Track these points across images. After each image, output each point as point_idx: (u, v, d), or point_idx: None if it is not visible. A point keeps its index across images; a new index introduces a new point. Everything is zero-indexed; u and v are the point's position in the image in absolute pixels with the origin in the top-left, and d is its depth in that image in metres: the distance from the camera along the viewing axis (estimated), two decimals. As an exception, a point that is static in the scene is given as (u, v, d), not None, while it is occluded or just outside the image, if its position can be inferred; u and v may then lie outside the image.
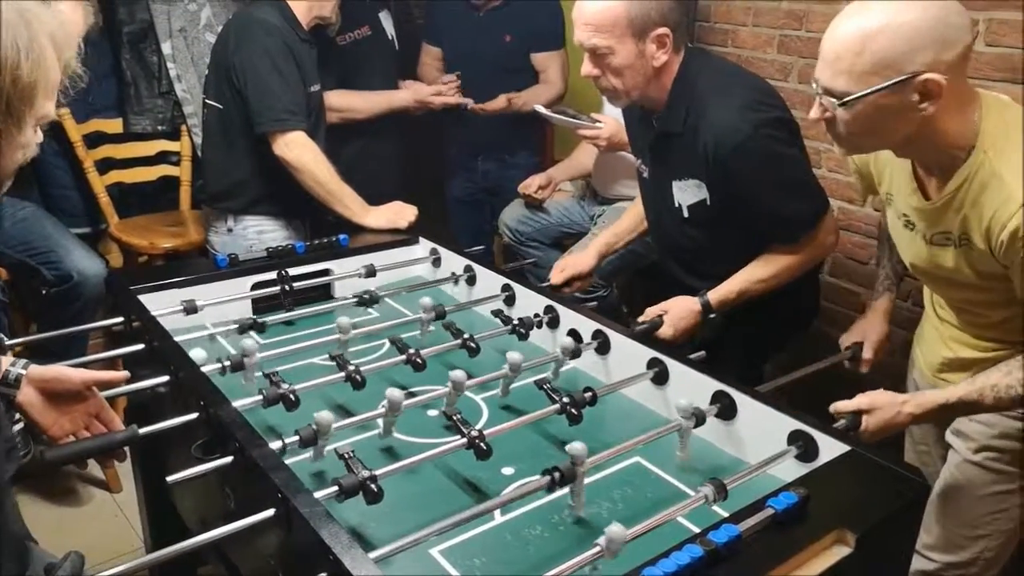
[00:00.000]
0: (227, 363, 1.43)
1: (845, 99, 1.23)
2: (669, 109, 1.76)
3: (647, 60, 1.70)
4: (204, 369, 1.41)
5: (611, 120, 2.27)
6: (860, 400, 1.35)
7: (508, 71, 2.86)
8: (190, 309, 1.69)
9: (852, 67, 1.21)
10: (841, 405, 1.36)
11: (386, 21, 2.86)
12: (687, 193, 1.80)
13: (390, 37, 2.88)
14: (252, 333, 1.69)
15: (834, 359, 1.64)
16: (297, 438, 1.21)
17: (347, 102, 2.69)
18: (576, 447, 1.12)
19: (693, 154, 1.73)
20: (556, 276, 2.06)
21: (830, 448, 1.24)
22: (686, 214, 1.83)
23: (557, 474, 1.11)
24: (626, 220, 2.13)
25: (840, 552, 1.03)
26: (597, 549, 0.97)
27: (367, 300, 1.82)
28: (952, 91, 1.21)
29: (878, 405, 1.34)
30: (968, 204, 1.29)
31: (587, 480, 1.25)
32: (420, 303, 1.73)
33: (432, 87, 2.84)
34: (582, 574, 0.97)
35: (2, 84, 0.83)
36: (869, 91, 1.21)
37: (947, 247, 1.36)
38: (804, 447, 1.26)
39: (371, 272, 1.96)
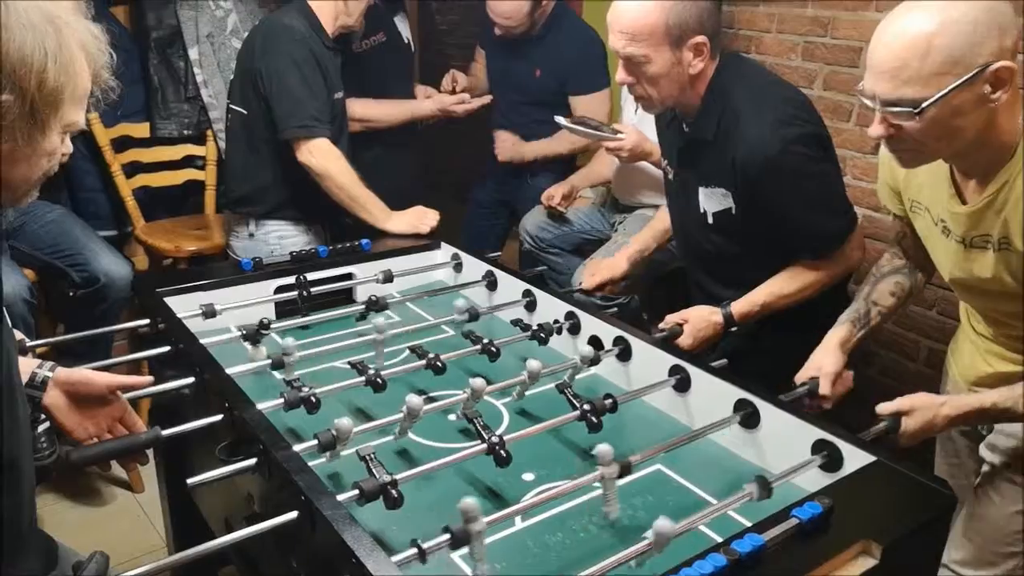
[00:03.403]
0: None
1: (922, 106, 1.19)
2: (701, 116, 1.74)
3: (683, 68, 1.67)
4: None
5: (632, 131, 2.26)
6: (900, 402, 1.34)
7: (536, 104, 2.80)
8: (208, 313, 1.69)
9: (919, 72, 1.18)
10: (883, 407, 1.35)
11: (401, 24, 2.87)
12: (713, 200, 1.79)
13: (406, 41, 2.89)
14: (271, 335, 1.70)
15: (790, 396, 1.44)
16: (316, 442, 1.21)
17: (370, 112, 2.70)
18: (467, 503, 1.00)
19: (722, 163, 1.71)
20: (588, 280, 2.06)
21: (855, 458, 1.23)
22: (710, 220, 1.81)
23: (448, 536, 0.99)
24: (654, 227, 2.12)
25: (865, 563, 1.02)
26: (646, 542, 0.97)
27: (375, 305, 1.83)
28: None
29: (917, 407, 1.33)
30: (1011, 205, 1.27)
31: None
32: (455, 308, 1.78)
33: (455, 96, 2.84)
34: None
35: (27, 87, 0.83)
36: (945, 91, 1.18)
37: (986, 250, 1.33)
38: (829, 457, 1.25)
39: (388, 278, 1.96)
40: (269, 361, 1.52)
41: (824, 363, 1.50)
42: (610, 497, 1.15)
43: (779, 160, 1.63)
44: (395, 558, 0.96)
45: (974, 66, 1.16)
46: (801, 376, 1.51)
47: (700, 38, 1.65)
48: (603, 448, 1.14)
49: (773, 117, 1.65)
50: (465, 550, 1.08)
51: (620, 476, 1.14)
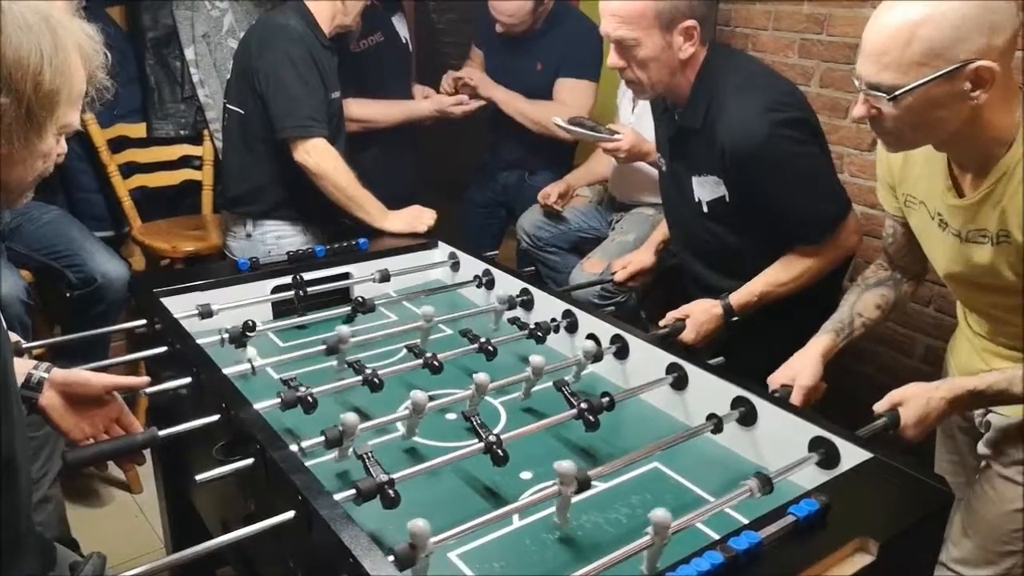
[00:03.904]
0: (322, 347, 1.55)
1: (895, 92, 1.20)
2: (690, 104, 1.75)
3: (674, 52, 1.68)
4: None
5: (629, 131, 2.26)
6: (893, 395, 1.33)
7: (537, 99, 2.78)
8: (205, 313, 1.69)
9: (900, 59, 1.19)
10: (878, 405, 1.34)
11: (399, 24, 2.86)
12: (706, 189, 1.79)
13: (404, 41, 2.88)
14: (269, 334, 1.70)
15: None
16: (323, 439, 1.21)
17: (367, 112, 2.69)
18: (418, 525, 0.95)
19: (711, 151, 1.72)
20: (621, 274, 2.08)
21: (852, 455, 1.23)
22: (705, 209, 1.82)
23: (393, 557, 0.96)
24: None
25: (862, 560, 1.02)
26: (647, 538, 0.97)
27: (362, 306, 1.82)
28: (1000, 78, 1.18)
29: (910, 396, 1.32)
30: (1008, 197, 1.26)
31: (604, 486, 1.25)
32: (495, 296, 1.82)
33: (453, 97, 2.83)
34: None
35: (23, 89, 0.83)
36: (920, 82, 1.18)
37: (983, 244, 1.33)
38: (826, 453, 1.25)
39: (385, 277, 1.96)
40: (264, 362, 1.51)
41: (801, 374, 1.47)
42: (563, 509, 1.14)
43: (766, 144, 1.64)
44: (392, 557, 0.96)
45: (954, 61, 1.16)
46: (775, 380, 1.49)
47: (690, 22, 1.66)
48: (565, 466, 1.10)
49: (760, 103, 1.66)
50: (453, 554, 1.09)
51: (578, 492, 1.12)
